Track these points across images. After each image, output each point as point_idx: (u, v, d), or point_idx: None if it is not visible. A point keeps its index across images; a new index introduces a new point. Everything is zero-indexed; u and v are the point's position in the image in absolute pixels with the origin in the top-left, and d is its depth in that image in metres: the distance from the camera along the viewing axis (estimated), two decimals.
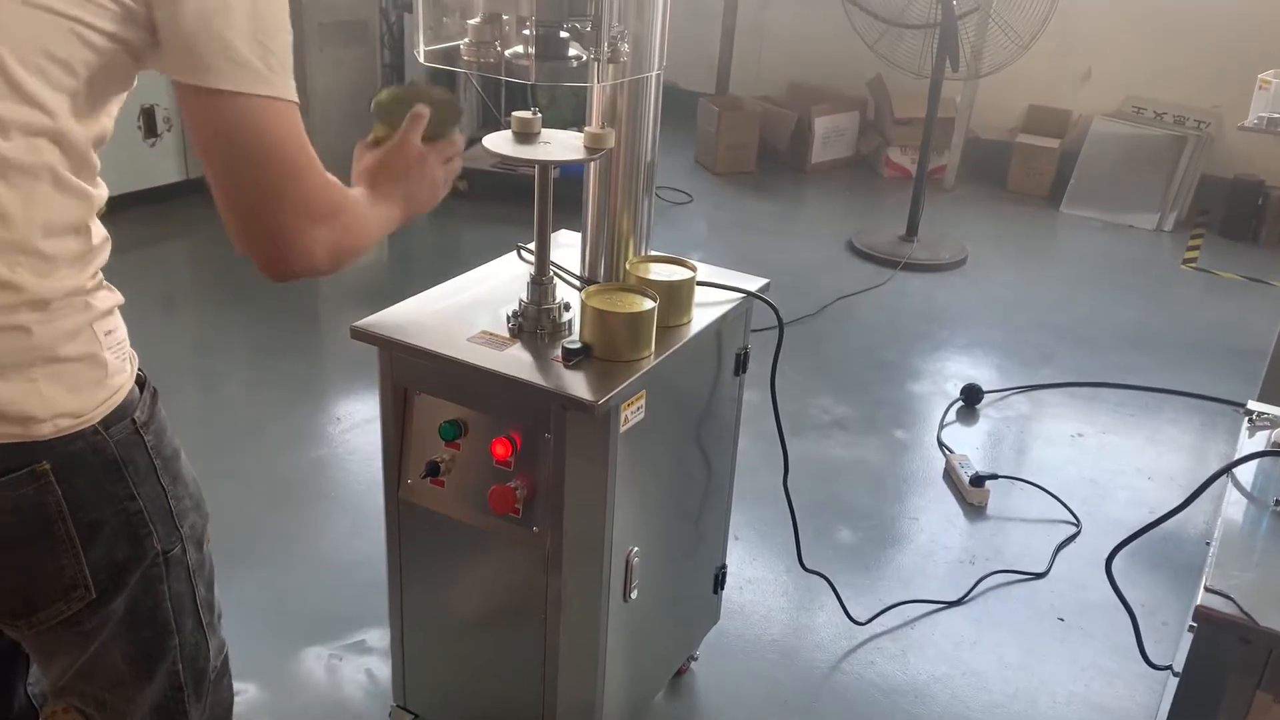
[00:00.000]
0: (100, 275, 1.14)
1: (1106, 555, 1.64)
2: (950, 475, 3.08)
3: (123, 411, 1.13)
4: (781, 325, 1.90)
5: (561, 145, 1.68)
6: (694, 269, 1.80)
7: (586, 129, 1.64)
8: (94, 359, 1.10)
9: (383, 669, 2.21)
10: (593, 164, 1.79)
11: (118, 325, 1.16)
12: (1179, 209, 5.37)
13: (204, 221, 4.68)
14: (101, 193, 1.16)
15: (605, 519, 1.66)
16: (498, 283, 1.90)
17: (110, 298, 1.15)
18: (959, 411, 3.47)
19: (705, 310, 1.84)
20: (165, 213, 4.67)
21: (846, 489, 3.01)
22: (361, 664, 2.26)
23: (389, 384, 1.72)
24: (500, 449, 1.64)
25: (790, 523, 2.20)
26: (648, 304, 1.65)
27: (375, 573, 1.96)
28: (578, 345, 1.63)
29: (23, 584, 1.10)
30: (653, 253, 1.89)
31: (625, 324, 1.62)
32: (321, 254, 1.16)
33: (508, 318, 1.73)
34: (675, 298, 1.75)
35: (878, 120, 6.01)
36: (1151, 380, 3.68)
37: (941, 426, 3.35)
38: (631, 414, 1.64)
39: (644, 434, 1.70)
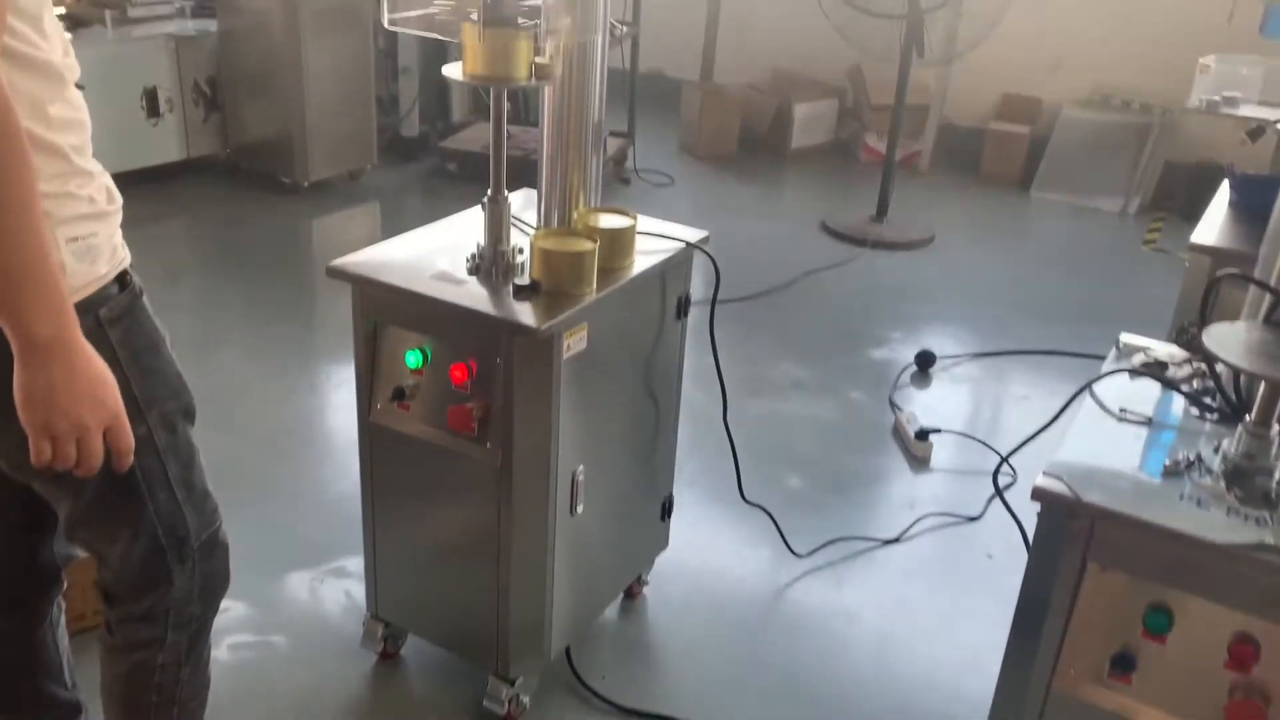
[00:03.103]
0: (72, 181, 1.32)
1: (993, 469, 1.84)
2: (898, 431, 3.28)
3: (85, 307, 1.32)
4: (718, 271, 2.10)
5: None
6: (634, 219, 2.01)
7: (536, 58, 1.83)
8: None
9: (360, 589, 2.42)
10: (547, 124, 1.99)
11: (87, 231, 1.34)
12: (1143, 193, 5.56)
13: (204, 200, 4.91)
14: (59, 68, 1.29)
15: (551, 437, 1.87)
16: (461, 232, 2.10)
17: (75, 206, 1.32)
18: (913, 376, 3.67)
19: (649, 258, 2.04)
20: (167, 191, 4.89)
21: (798, 441, 3.22)
22: (341, 585, 2.48)
23: (360, 317, 1.94)
24: (458, 373, 1.85)
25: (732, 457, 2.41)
26: (589, 245, 1.86)
27: (357, 507, 2.17)
28: (527, 282, 1.84)
29: (19, 439, 1.27)
30: (600, 206, 2.10)
31: (568, 262, 1.83)
32: None
33: (467, 259, 1.94)
34: (617, 243, 1.96)
35: (856, 107, 6.21)
36: (1101, 350, 3.88)
37: (894, 388, 3.56)
38: (574, 343, 1.85)
39: (587, 362, 1.90)
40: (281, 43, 4.67)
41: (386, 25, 1.76)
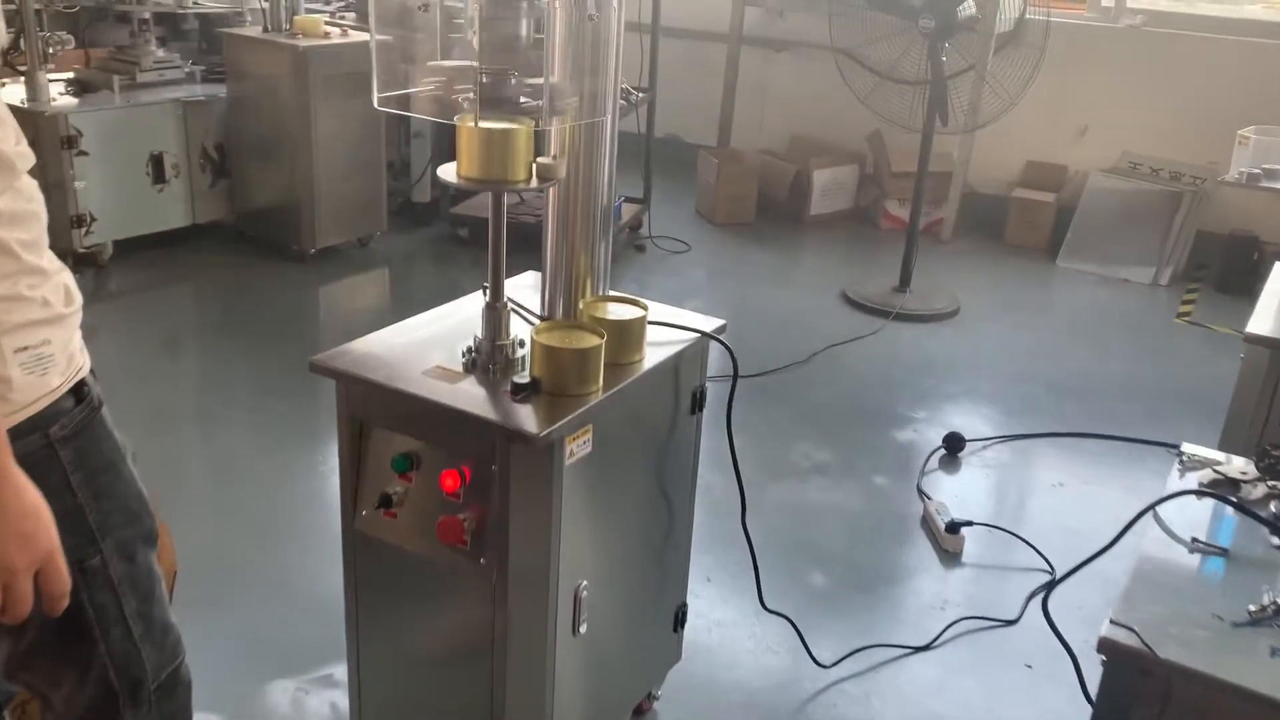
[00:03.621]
0: (23, 282, 1.18)
1: (1044, 595, 1.66)
2: (927, 522, 3.09)
3: (33, 425, 1.17)
4: (736, 366, 1.94)
5: None
6: (645, 308, 1.85)
7: (539, 159, 1.70)
8: None
9: (347, 702, 2.23)
10: (551, 207, 1.85)
11: (39, 338, 1.20)
12: (1175, 264, 5.39)
13: (209, 266, 4.80)
14: (10, 156, 1.16)
15: (551, 551, 1.69)
16: (459, 319, 1.95)
17: (26, 310, 1.18)
18: (940, 460, 3.48)
19: (661, 349, 1.88)
20: (172, 257, 4.78)
21: (821, 533, 3.03)
22: (327, 697, 2.29)
23: (345, 416, 1.78)
24: (449, 481, 1.68)
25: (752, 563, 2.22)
26: (594, 340, 1.70)
27: (341, 608, 1.99)
28: (526, 380, 1.68)
29: None
30: (610, 293, 1.95)
31: (572, 359, 1.67)
32: None
33: (463, 353, 1.78)
34: (625, 336, 1.80)
35: (876, 173, 6.09)
36: (1138, 432, 3.69)
37: (921, 474, 3.37)
38: (577, 447, 1.68)
39: (593, 467, 1.74)
40: (291, 108, 4.59)
41: (376, 106, 1.62)
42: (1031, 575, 2.89)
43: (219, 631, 2.42)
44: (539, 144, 1.69)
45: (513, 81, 1.61)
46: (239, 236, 4.97)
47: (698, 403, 2.03)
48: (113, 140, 4.43)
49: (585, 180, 1.81)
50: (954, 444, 3.50)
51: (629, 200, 5.35)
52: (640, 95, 5.08)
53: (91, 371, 1.33)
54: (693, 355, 1.95)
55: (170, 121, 4.62)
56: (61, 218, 4.31)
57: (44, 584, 1.13)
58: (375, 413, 1.75)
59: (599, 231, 1.87)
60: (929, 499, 3.19)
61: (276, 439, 3.42)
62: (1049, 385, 4.10)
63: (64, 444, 1.24)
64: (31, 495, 1.10)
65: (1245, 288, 5.24)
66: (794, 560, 2.86)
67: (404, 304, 4.79)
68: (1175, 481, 1.55)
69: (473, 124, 1.60)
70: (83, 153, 4.31)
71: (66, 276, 1.31)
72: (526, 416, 1.62)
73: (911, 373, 4.17)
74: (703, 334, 1.95)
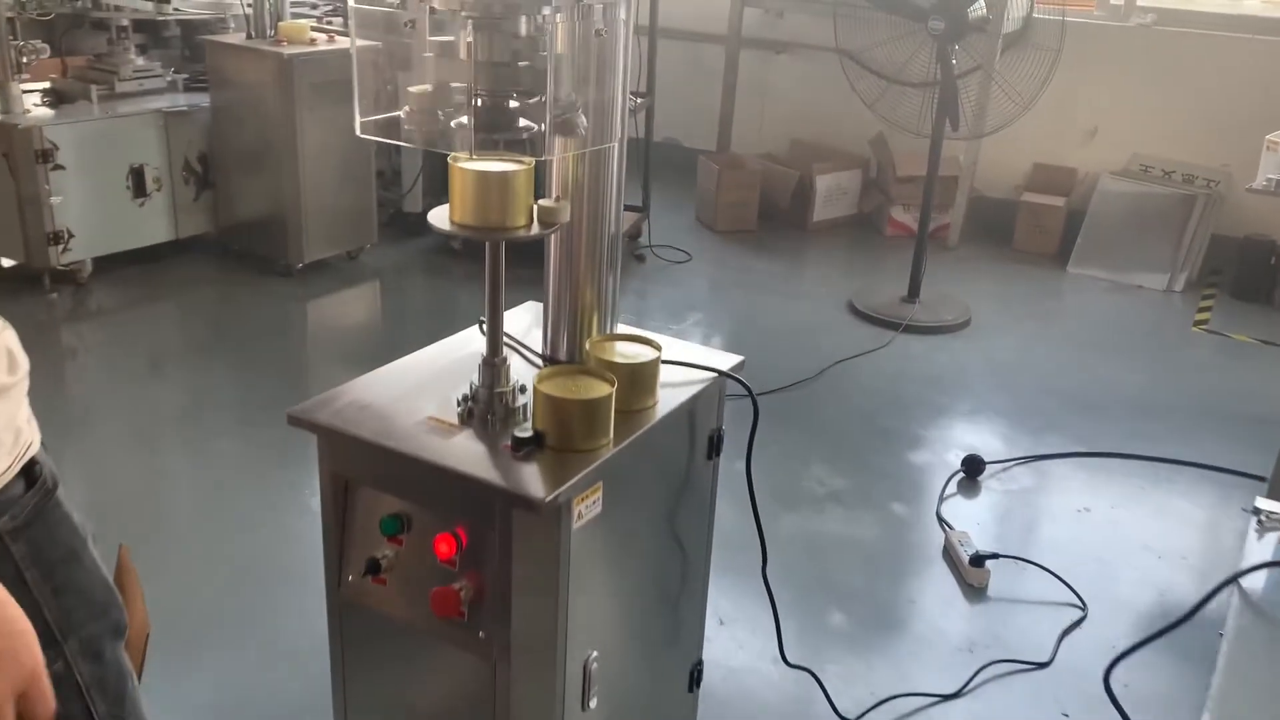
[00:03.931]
0: None
1: (1106, 667, 1.50)
2: (950, 553, 2.93)
3: None
4: (756, 409, 1.77)
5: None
6: (659, 348, 1.68)
7: (540, 202, 1.54)
8: None
9: None
10: (552, 238, 1.69)
11: None
12: (1189, 269, 5.24)
13: (193, 282, 4.63)
14: None
15: (558, 623, 1.53)
16: (454, 360, 1.79)
17: None
18: (960, 483, 3.32)
19: (674, 391, 1.72)
20: (155, 273, 4.61)
21: (840, 568, 2.87)
22: None
23: (327, 473, 1.61)
24: (444, 547, 1.51)
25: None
26: (603, 389, 1.54)
27: (327, 662, 1.83)
28: (529, 434, 1.51)
29: None
30: (620, 330, 1.79)
31: (579, 411, 1.51)
32: None
33: (459, 401, 1.61)
34: (638, 380, 1.64)
35: (880, 178, 5.93)
36: (1162, 450, 3.54)
37: (941, 500, 3.21)
38: (586, 509, 1.52)
39: (603, 528, 1.57)
40: (276, 117, 4.41)
41: (359, 134, 1.45)
42: (1061, 611, 2.73)
43: (193, 689, 2.25)
44: (539, 178, 1.52)
45: (511, 106, 1.45)
46: (224, 251, 4.80)
47: (715, 447, 1.86)
48: (91, 153, 4.25)
49: (591, 211, 1.64)
50: (973, 467, 3.34)
51: (628, 209, 5.19)
52: (639, 100, 4.91)
53: (43, 445, 1.16)
54: (709, 396, 1.79)
55: (151, 132, 4.45)
56: (38, 234, 4.14)
57: (27, 709, 0.96)
58: (361, 470, 1.59)
59: (606, 264, 1.71)
60: (950, 528, 3.03)
61: (261, 470, 3.25)
62: (1066, 400, 3.94)
63: (15, 536, 1.07)
64: (10, 608, 0.94)
65: (1262, 294, 5.10)
66: (812, 599, 2.70)
67: (396, 319, 4.62)
68: (1254, 545, 1.39)
69: (466, 163, 1.44)
70: (59, 166, 4.13)
71: (9, 337, 1.14)
72: (529, 476, 1.45)
73: (924, 388, 4.01)
74: (720, 373, 1.78)
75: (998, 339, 4.52)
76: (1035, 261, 5.49)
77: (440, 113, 1.45)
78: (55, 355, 4.02)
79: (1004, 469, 3.42)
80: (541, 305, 1.77)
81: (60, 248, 4.20)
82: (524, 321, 1.90)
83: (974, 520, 3.12)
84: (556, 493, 1.42)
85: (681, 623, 1.96)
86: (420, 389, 1.68)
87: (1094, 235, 5.41)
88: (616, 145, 1.63)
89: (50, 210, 4.12)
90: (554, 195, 1.54)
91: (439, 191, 5.28)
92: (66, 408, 3.58)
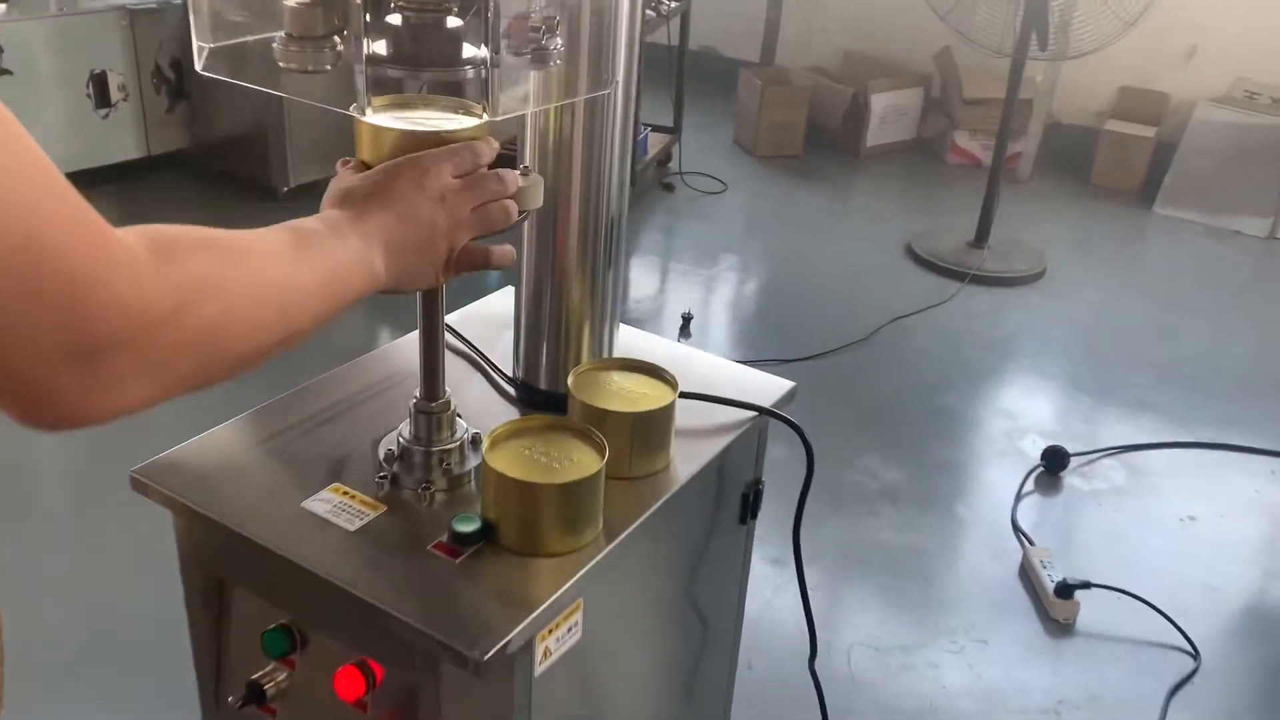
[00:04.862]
0: None
1: None
2: (1028, 575, 2.43)
3: None
4: (811, 462, 1.26)
5: None
6: (674, 385, 1.16)
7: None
8: None
9: None
10: (528, 226, 1.16)
11: None
12: None
13: (167, 206, 4.13)
14: None
15: None
16: (389, 383, 1.28)
17: None
18: (1038, 481, 2.80)
19: (696, 443, 1.20)
20: (123, 195, 4.11)
21: (894, 590, 2.38)
22: None
23: (190, 564, 1.12)
24: (347, 684, 1.03)
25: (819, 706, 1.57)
26: (588, 464, 1.02)
27: None
28: (474, 527, 1.01)
29: None
30: (620, 343, 1.27)
31: (551, 500, 1.00)
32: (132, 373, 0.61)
33: (382, 461, 1.11)
34: (644, 435, 1.12)
35: (944, 99, 5.28)
36: (1274, 438, 3.00)
37: (1017, 501, 2.70)
38: (557, 642, 1.02)
39: (582, 657, 1.08)
40: None
41: (200, 69, 0.92)
42: (1167, 659, 2.24)
43: None
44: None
45: (450, 25, 0.91)
46: (202, 171, 4.28)
47: (750, 508, 1.35)
48: (45, 56, 3.73)
49: (584, 187, 1.12)
50: (1055, 460, 2.82)
51: (656, 130, 4.60)
52: (672, 4, 4.29)
53: None
54: (746, 443, 1.27)
55: (114, 33, 3.90)
56: None
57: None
58: (234, 567, 1.09)
59: (603, 259, 1.19)
60: (1029, 542, 2.52)
61: None
62: (1158, 372, 3.39)
63: None
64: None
65: None
66: (861, 634, 2.22)
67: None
68: None
69: (379, 115, 0.92)
70: (6, 71, 3.61)
71: None
72: (467, 606, 0.96)
73: (993, 355, 3.46)
74: (764, 411, 1.26)
75: (1076, 294, 3.94)
76: (1116, 199, 4.86)
77: (335, 40, 0.91)
78: None
79: (1089, 462, 2.90)
80: (514, 300, 1.25)
81: None
82: (500, 315, 1.39)
83: (1056, 531, 2.61)
84: (507, 639, 0.92)
85: None
86: (336, 432, 1.18)
87: (1186, 171, 4.76)
88: (622, 84, 1.09)
89: None
90: (520, 167, 1.01)
91: None
92: None
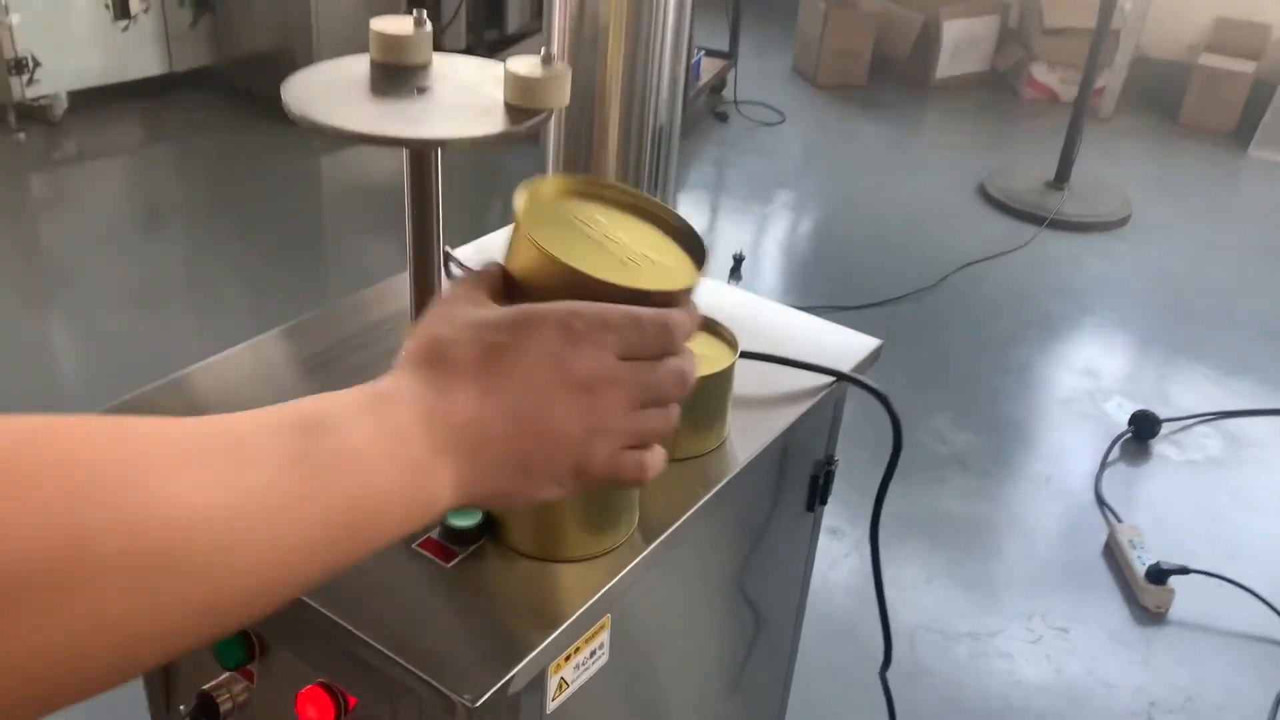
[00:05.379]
0: None
1: None
2: (1115, 555, 2.18)
3: None
4: (899, 435, 1.02)
5: (457, 100, 0.82)
6: (733, 345, 0.92)
7: (510, 66, 0.77)
8: None
9: None
10: (547, 127, 0.92)
11: None
12: None
13: (192, 125, 3.92)
14: None
15: None
16: (387, 326, 1.06)
17: None
18: (1125, 447, 2.54)
19: (757, 415, 0.97)
20: (145, 113, 3.90)
21: (965, 570, 2.14)
22: None
23: None
24: (311, 710, 0.81)
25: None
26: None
27: None
28: (473, 522, 0.78)
29: None
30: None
31: (576, 509, 0.77)
32: None
33: None
34: (698, 405, 0.88)
35: (1022, 28, 4.90)
36: None
37: (1101, 470, 2.43)
38: (575, 670, 0.80)
39: (610, 681, 0.86)
40: None
41: None
42: (1272, 653, 1.99)
43: None
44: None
45: None
46: (228, 88, 4.05)
47: (820, 492, 1.12)
48: None
49: (626, 84, 0.87)
50: (1145, 426, 2.54)
51: (710, 54, 4.29)
52: None
53: None
54: (819, 415, 1.03)
55: None
56: None
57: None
58: None
59: (649, 176, 0.94)
60: (1116, 518, 2.26)
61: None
62: (1256, 330, 3.09)
63: None
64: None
65: None
66: (929, 618, 1.99)
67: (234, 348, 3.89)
68: None
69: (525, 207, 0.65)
70: None
71: None
72: (460, 623, 0.73)
73: (1073, 308, 3.17)
74: (842, 377, 1.02)
75: (1164, 242, 3.62)
76: (1208, 140, 4.49)
77: None
78: (26, 205, 3.40)
79: (1182, 428, 2.62)
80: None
81: (25, 78, 3.50)
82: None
83: (1147, 506, 2.35)
84: (509, 676, 0.70)
85: None
86: (313, 390, 0.95)
87: None
88: None
89: (10, 32, 3.41)
90: (542, 53, 0.76)
91: (484, 26, 4.42)
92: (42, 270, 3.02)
